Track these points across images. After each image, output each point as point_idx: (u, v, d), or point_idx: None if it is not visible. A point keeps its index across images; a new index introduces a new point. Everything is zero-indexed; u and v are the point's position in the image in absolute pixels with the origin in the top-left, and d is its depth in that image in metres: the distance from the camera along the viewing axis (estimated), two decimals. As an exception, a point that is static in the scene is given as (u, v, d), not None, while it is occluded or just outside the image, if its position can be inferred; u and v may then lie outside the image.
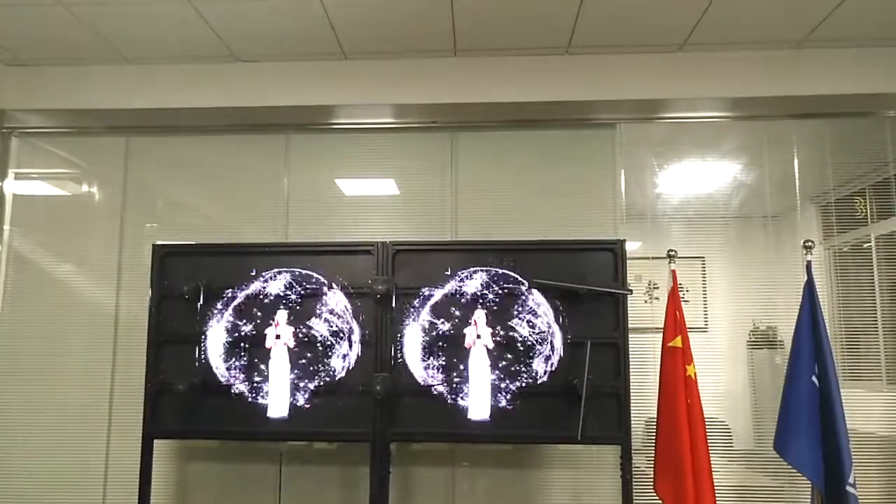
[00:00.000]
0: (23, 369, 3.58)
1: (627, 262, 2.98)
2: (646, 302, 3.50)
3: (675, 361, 3.10)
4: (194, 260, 3.11)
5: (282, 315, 3.01)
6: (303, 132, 3.69)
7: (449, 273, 3.00)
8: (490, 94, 3.40)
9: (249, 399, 2.99)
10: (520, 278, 2.97)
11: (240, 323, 3.04)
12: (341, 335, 2.99)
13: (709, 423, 3.08)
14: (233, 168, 3.69)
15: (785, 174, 3.57)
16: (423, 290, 3.00)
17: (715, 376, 3.41)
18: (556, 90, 3.38)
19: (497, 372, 2.92)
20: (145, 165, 3.73)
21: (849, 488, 2.88)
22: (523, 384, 2.91)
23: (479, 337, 2.94)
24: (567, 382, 2.89)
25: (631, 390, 2.89)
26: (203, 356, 3.03)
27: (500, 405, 2.90)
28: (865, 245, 3.52)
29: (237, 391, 3.00)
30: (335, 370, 2.98)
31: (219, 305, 3.06)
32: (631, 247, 3.37)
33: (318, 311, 3.02)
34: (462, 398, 2.91)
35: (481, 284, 2.95)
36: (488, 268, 2.99)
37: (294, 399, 2.96)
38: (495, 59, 3.43)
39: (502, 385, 2.91)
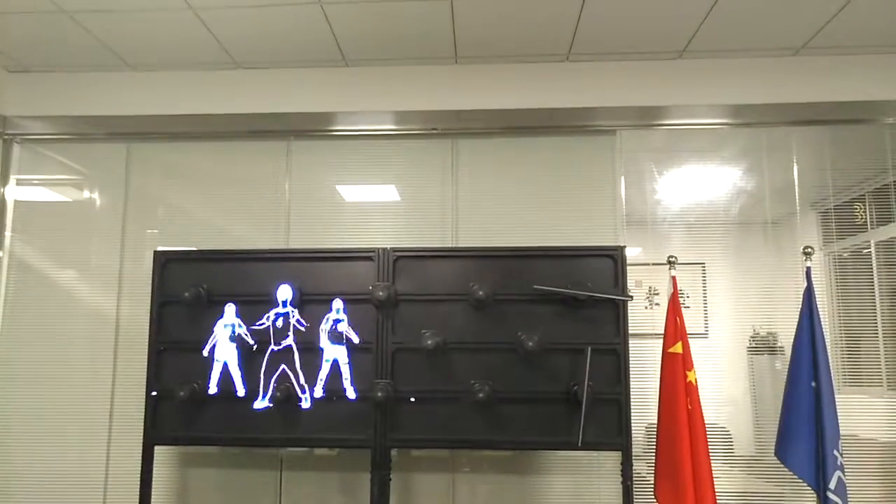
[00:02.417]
0: (23, 375, 3.58)
1: (628, 268, 2.99)
2: (646, 308, 3.51)
3: (676, 367, 3.11)
4: (195, 266, 3.12)
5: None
6: (304, 139, 3.70)
7: (450, 280, 3.01)
8: (491, 101, 3.41)
9: (250, 405, 2.99)
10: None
11: (241, 329, 3.04)
12: (342, 341, 2.99)
13: (709, 428, 3.08)
14: (234, 174, 3.70)
15: (784, 181, 3.58)
16: (424, 296, 3.00)
17: (715, 382, 3.41)
18: (556, 97, 3.39)
19: (499, 377, 2.92)
20: (147, 172, 3.74)
21: (829, 494, 2.90)
22: (524, 390, 2.92)
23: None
24: (567, 388, 2.89)
25: (631, 396, 2.89)
26: (204, 362, 3.03)
27: (501, 411, 2.91)
28: (865, 251, 3.53)
29: (238, 397, 3.00)
30: (336, 376, 2.98)
31: (219, 311, 3.06)
32: (631, 253, 3.39)
33: (319, 318, 3.02)
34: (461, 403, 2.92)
35: (483, 290, 2.94)
36: (490, 274, 3.00)
37: (296, 405, 2.97)
38: (496, 67, 3.45)
39: (503, 390, 2.91)
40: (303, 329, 3.01)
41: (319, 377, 2.97)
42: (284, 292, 3.03)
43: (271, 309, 3.03)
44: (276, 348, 3.01)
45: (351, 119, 3.57)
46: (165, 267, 3.13)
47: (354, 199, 3.70)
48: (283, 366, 3.00)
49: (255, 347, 3.00)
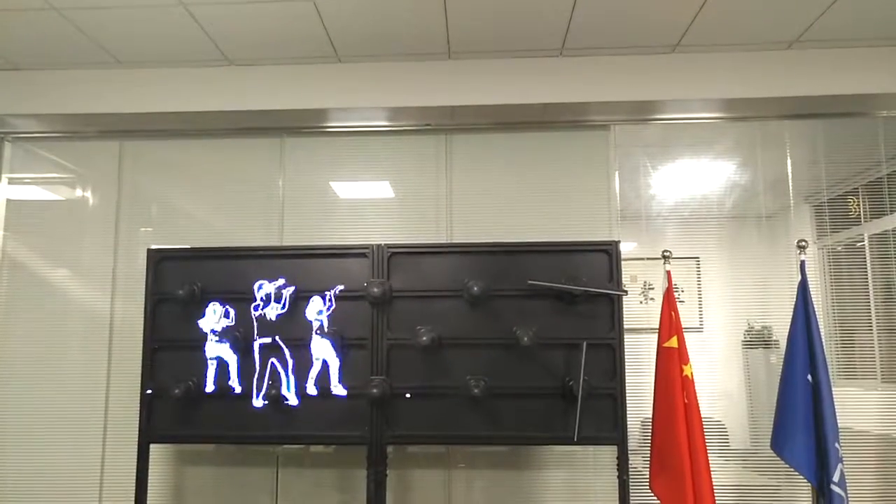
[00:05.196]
0: (18, 374, 3.56)
1: (622, 262, 2.99)
2: (641, 303, 3.51)
3: (671, 361, 3.11)
4: (189, 264, 3.11)
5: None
6: (297, 135, 3.70)
7: (445, 276, 3.00)
8: (484, 97, 3.40)
9: (245, 402, 2.99)
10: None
11: (235, 326, 3.03)
12: (336, 338, 2.98)
13: (705, 422, 3.08)
14: (228, 172, 3.69)
15: (778, 174, 3.58)
16: (418, 292, 3.00)
17: (711, 376, 3.42)
18: (549, 92, 3.38)
19: (495, 373, 2.92)
20: (139, 169, 3.72)
21: (833, 487, 2.90)
22: (520, 385, 2.92)
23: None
24: (563, 383, 2.90)
25: (627, 391, 2.90)
26: (199, 360, 3.02)
27: (497, 406, 2.91)
28: (859, 244, 3.54)
29: (233, 394, 3.00)
30: (331, 373, 2.98)
31: (214, 309, 3.05)
32: (626, 248, 3.39)
33: (313, 315, 3.02)
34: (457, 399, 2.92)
35: (478, 286, 2.94)
36: (485, 269, 3.00)
37: (291, 402, 2.97)
38: (489, 62, 3.44)
39: (500, 386, 2.91)
40: (283, 310, 3.01)
41: (310, 375, 2.97)
42: (276, 288, 3.02)
43: (265, 305, 3.03)
44: (263, 342, 3.00)
45: (344, 115, 3.56)
46: (159, 265, 3.12)
47: (348, 196, 3.69)
48: (272, 360, 2.99)
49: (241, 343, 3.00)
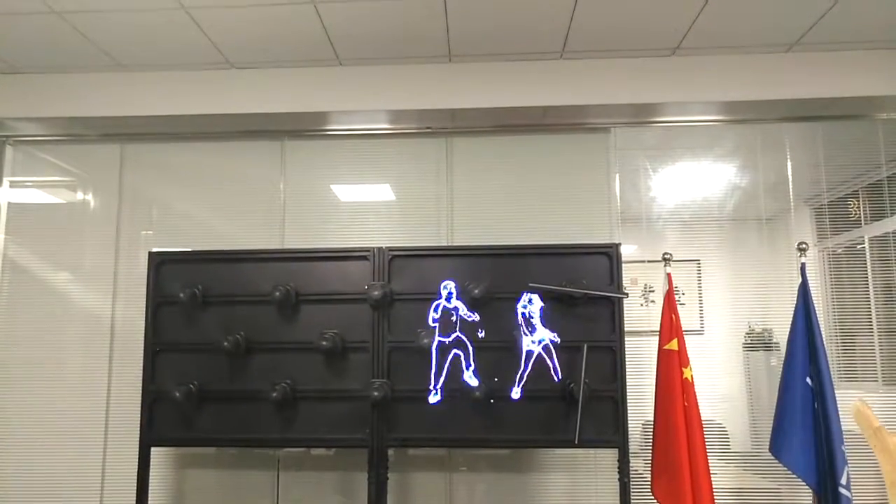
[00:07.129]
0: (19, 378, 3.56)
1: (623, 265, 2.99)
2: (642, 305, 3.51)
3: (672, 364, 3.11)
4: (190, 267, 3.11)
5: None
6: (298, 138, 3.70)
7: (446, 279, 3.01)
8: (485, 100, 3.41)
9: (246, 405, 2.99)
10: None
11: (236, 329, 3.03)
12: (338, 341, 2.98)
13: (706, 425, 3.08)
14: (228, 175, 3.69)
15: (778, 177, 3.58)
16: (419, 295, 3.00)
17: (711, 379, 3.42)
18: (550, 95, 3.39)
19: (495, 376, 2.92)
20: (141, 172, 3.73)
21: (841, 489, 2.89)
22: (521, 388, 2.92)
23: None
24: (564, 386, 2.90)
25: (628, 393, 2.90)
26: (199, 362, 3.02)
27: (498, 409, 2.91)
28: (859, 247, 3.54)
29: (234, 398, 3.00)
30: (335, 376, 2.98)
31: (215, 312, 3.05)
32: (626, 250, 3.39)
33: (315, 317, 3.02)
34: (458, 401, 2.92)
35: (478, 289, 2.94)
36: (486, 272, 3.00)
37: (294, 405, 2.97)
38: (490, 65, 3.44)
39: (500, 389, 2.91)
40: (470, 321, 2.97)
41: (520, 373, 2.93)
42: (448, 287, 3.00)
43: (434, 302, 2.99)
44: (444, 340, 2.97)
45: (345, 118, 3.57)
46: (160, 268, 3.12)
47: (349, 199, 3.69)
48: (455, 352, 2.96)
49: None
